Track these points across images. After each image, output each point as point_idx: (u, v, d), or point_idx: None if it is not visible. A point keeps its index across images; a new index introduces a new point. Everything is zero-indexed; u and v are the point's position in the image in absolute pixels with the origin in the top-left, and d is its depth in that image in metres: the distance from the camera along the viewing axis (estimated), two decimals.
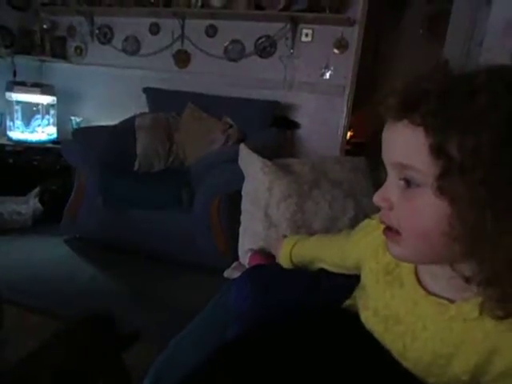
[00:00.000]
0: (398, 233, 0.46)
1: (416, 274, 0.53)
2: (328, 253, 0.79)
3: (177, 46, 2.84)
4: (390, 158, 0.46)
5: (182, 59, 2.85)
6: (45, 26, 3.01)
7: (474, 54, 1.67)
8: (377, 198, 0.47)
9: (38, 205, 2.43)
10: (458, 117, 0.38)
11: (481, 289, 0.42)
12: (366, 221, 0.68)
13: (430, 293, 0.50)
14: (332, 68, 2.54)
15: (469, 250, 0.40)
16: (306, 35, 2.54)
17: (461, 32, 1.98)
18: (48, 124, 2.93)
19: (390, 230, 0.48)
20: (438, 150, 0.39)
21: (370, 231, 0.64)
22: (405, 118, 0.43)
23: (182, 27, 2.78)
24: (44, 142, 2.84)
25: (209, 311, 0.90)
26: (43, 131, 2.90)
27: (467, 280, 0.43)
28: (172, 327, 0.90)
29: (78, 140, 2.24)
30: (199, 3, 2.61)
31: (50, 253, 2.14)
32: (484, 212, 0.37)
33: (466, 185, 0.38)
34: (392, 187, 0.46)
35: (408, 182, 0.44)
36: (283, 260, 0.93)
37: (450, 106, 0.39)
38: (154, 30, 2.87)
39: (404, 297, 0.53)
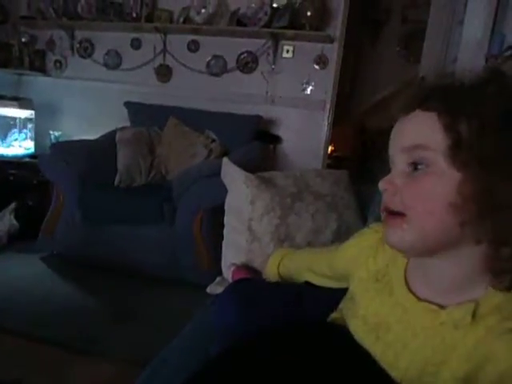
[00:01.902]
0: (402, 215, 0.47)
1: (406, 280, 0.53)
2: (317, 262, 0.79)
3: (159, 61, 2.84)
4: (402, 144, 0.49)
5: (164, 74, 2.85)
6: (23, 40, 2.97)
7: (448, 69, 1.74)
8: (382, 183, 0.49)
9: (14, 221, 2.35)
10: (467, 101, 0.43)
11: (491, 250, 0.43)
12: (362, 230, 0.69)
13: (420, 299, 0.50)
14: (313, 83, 2.59)
15: (480, 213, 0.42)
16: (287, 51, 2.59)
17: (435, 50, 2.06)
18: (25, 138, 2.86)
19: (392, 215, 0.48)
20: (450, 127, 0.43)
21: (362, 240, 0.65)
22: (417, 109, 0.47)
23: (164, 42, 2.79)
24: (21, 157, 2.77)
25: (192, 328, 0.88)
26: (20, 145, 2.83)
27: (478, 241, 0.44)
28: (153, 346, 0.88)
29: (56, 154, 2.19)
30: (181, 19, 2.64)
31: (25, 271, 2.06)
32: (493, 173, 0.41)
33: (476, 153, 0.42)
34: (398, 173, 0.49)
35: (415, 166, 0.46)
36: (270, 272, 0.92)
37: (459, 93, 0.45)
38: (136, 44, 2.88)
39: (394, 304, 0.53)
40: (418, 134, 0.47)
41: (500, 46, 1.31)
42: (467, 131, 0.42)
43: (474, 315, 0.44)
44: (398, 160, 0.49)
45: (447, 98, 0.45)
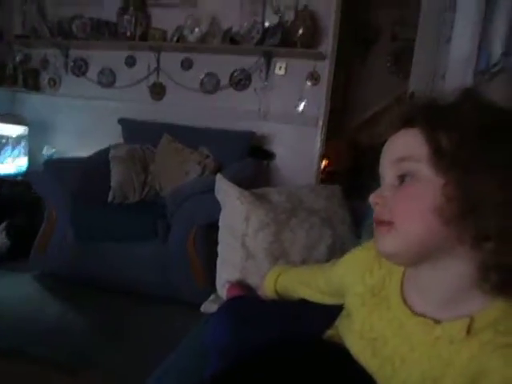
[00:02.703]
0: (390, 224, 0.49)
1: (402, 294, 0.54)
2: (314, 277, 0.79)
3: (152, 79, 2.87)
4: (390, 157, 0.52)
5: (158, 91, 2.87)
6: (18, 58, 2.99)
7: (437, 86, 1.77)
8: (372, 197, 0.52)
9: (5, 240, 2.32)
10: (446, 117, 0.47)
11: (475, 246, 0.44)
12: (357, 246, 0.70)
13: (416, 313, 0.51)
14: (305, 100, 2.62)
15: (462, 213, 0.43)
16: (280, 68, 2.62)
17: (424, 67, 2.10)
18: (18, 155, 2.85)
19: (383, 225, 0.50)
20: (430, 138, 0.47)
21: (358, 255, 0.66)
22: (403, 128, 0.51)
23: (158, 60, 2.83)
24: (13, 175, 2.75)
25: (185, 347, 0.87)
26: (13, 163, 2.82)
27: (461, 240, 0.44)
28: (147, 366, 0.86)
29: (49, 171, 2.18)
30: (175, 37, 2.68)
31: (17, 290, 2.03)
32: (473, 175, 0.43)
33: (456, 161, 0.45)
34: (387, 187, 0.51)
35: (402, 179, 0.49)
36: (267, 289, 0.92)
37: (439, 110, 0.49)
38: (130, 62, 2.90)
39: (390, 318, 0.54)
40: (403, 147, 0.50)
41: (487, 63, 1.34)
42: (447, 142, 0.46)
43: (468, 330, 0.44)
44: (387, 174, 0.52)
45: (428, 116, 0.49)
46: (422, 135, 0.47)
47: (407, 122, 0.51)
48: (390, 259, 0.53)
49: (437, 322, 0.48)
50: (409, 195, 0.48)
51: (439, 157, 0.46)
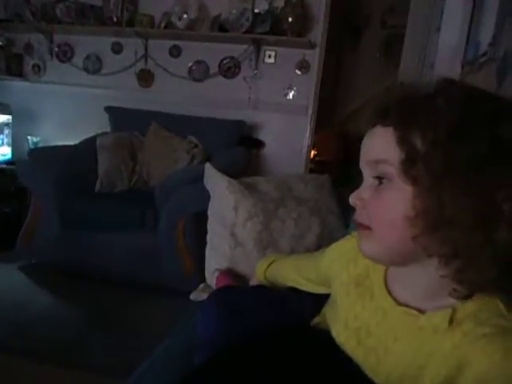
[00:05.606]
0: (369, 228, 0.49)
1: (386, 284, 0.54)
2: (305, 266, 0.79)
3: (140, 66, 2.82)
4: (366, 158, 0.50)
5: (146, 78, 2.82)
6: (0, 43, 2.90)
7: (427, 74, 1.77)
8: (352, 198, 0.51)
9: None
10: (420, 114, 0.44)
11: (442, 263, 0.44)
12: (345, 236, 0.70)
13: (400, 303, 0.51)
14: (295, 88, 2.61)
15: (430, 227, 0.43)
16: (269, 57, 2.60)
17: (414, 55, 2.10)
18: (2, 144, 2.79)
19: (362, 227, 0.50)
20: (403, 141, 0.44)
21: (344, 244, 0.66)
22: (378, 124, 0.49)
23: (146, 47, 2.77)
24: None
25: (174, 337, 0.87)
26: None
27: (428, 254, 0.45)
28: (136, 355, 0.86)
29: (34, 160, 2.14)
30: (163, 24, 2.62)
31: (2, 281, 2.00)
32: (442, 189, 0.42)
33: (427, 167, 0.42)
34: (366, 187, 0.50)
35: (380, 180, 0.48)
36: (258, 275, 0.93)
37: (413, 106, 0.45)
38: (117, 48, 2.84)
39: (374, 308, 0.54)
40: (379, 148, 0.48)
41: (475, 53, 1.35)
42: (421, 144, 0.43)
43: (451, 321, 0.45)
44: (365, 173, 0.51)
45: (401, 112, 0.46)
46: (395, 137, 0.45)
47: (382, 118, 0.48)
48: (371, 260, 0.54)
49: (420, 312, 0.48)
50: (383, 203, 0.47)
51: (409, 165, 0.43)
